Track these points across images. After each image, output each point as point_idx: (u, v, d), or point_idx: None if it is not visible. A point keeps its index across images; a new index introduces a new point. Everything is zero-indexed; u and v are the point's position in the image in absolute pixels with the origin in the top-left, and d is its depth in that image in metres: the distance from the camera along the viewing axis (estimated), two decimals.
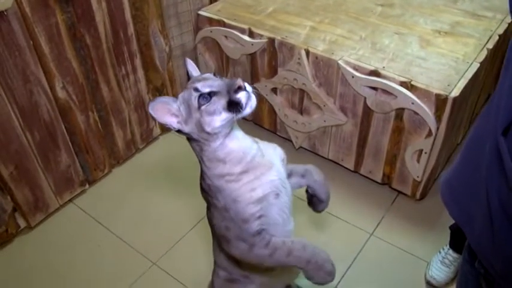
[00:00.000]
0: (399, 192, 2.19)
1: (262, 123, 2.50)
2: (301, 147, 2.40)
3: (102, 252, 2.00)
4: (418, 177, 2.02)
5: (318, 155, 2.35)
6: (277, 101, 2.31)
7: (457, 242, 1.85)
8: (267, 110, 2.41)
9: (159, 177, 2.34)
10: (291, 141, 2.40)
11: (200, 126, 1.07)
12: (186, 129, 1.09)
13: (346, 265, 1.92)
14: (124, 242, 2.04)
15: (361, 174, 2.26)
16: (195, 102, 1.05)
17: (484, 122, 0.85)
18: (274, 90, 2.30)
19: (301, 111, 2.26)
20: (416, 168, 2.00)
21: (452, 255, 1.86)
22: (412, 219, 2.10)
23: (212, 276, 1.47)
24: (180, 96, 1.10)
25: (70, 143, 2.09)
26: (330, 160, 2.31)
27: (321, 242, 1.96)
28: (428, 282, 1.86)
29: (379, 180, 2.20)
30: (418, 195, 2.12)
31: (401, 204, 2.16)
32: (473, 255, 0.96)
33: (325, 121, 2.16)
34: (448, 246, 1.88)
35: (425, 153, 1.93)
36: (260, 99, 2.38)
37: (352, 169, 2.26)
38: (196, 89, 1.06)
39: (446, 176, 0.98)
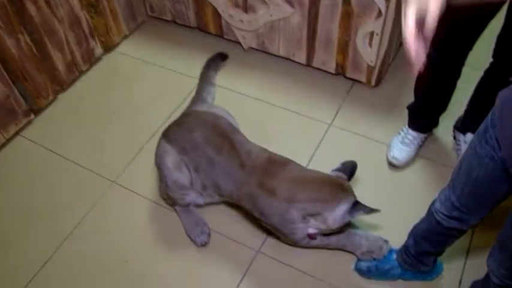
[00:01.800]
0: (354, 80, 2.15)
1: (208, 29, 2.37)
2: (250, 47, 2.31)
3: (60, 180, 1.94)
4: (371, 61, 1.98)
5: (269, 53, 2.27)
6: (220, 2, 2.18)
7: (415, 121, 1.85)
8: (211, 13, 2.28)
9: (106, 99, 2.24)
10: (239, 43, 2.30)
11: None
12: None
13: (308, 157, 1.91)
14: (80, 166, 1.97)
15: (314, 67, 2.21)
16: None
17: None
18: None
19: (246, 9, 2.15)
20: (368, 52, 1.95)
21: (412, 134, 1.86)
22: (369, 105, 2.08)
23: None
24: None
25: (4, 71, 1.94)
26: (281, 57, 2.25)
27: (282, 139, 1.94)
28: (390, 163, 1.87)
29: (333, 71, 2.15)
30: (373, 82, 2.09)
31: (358, 92, 2.14)
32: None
33: (271, 15, 2.06)
34: (407, 126, 1.89)
35: (377, 34, 1.87)
36: (202, 1, 2.25)
37: (304, 63, 2.20)
38: None
39: (505, 93, 0.96)
